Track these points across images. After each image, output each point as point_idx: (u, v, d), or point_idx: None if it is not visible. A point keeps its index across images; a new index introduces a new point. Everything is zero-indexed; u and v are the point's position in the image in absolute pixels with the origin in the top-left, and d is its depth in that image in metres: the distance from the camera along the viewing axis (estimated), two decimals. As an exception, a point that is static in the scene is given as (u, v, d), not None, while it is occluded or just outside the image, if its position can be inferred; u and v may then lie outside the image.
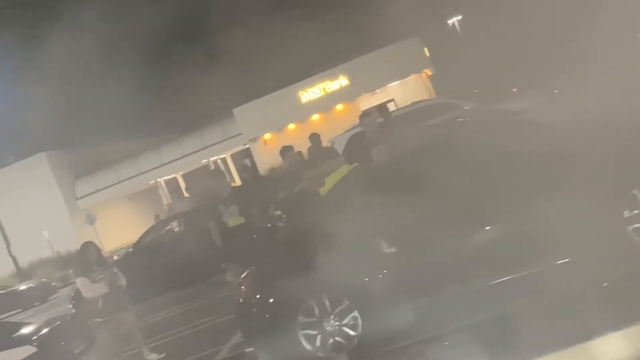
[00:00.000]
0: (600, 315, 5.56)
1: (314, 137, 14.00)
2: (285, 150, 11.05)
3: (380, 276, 7.01)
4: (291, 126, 42.65)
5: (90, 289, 10.10)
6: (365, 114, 9.83)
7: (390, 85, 40.62)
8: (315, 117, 41.93)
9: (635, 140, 7.02)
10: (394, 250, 7.03)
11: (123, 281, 10.42)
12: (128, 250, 19.56)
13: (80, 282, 10.35)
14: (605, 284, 6.27)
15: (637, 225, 6.59)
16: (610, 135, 7.31)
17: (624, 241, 6.58)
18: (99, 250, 10.67)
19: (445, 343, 6.18)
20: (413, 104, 19.39)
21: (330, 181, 9.99)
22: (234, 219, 10.27)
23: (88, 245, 10.50)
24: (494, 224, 6.86)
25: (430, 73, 42.94)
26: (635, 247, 6.57)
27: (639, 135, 7.13)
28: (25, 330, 9.07)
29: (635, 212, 6.58)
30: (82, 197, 51.96)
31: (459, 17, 55.50)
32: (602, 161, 6.73)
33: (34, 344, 8.12)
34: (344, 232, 7.14)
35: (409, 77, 40.32)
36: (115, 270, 10.51)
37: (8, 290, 34.54)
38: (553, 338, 5.38)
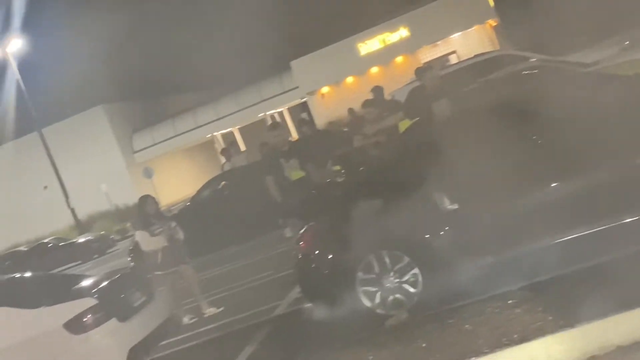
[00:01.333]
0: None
1: (377, 90, 13.89)
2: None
3: (442, 233, 7.01)
4: (349, 79, 42.46)
5: (149, 242, 10.32)
6: (425, 67, 9.69)
7: (452, 36, 40.00)
8: (374, 70, 41.62)
9: None
10: (456, 206, 6.99)
11: (181, 235, 10.62)
12: (185, 204, 19.84)
13: (140, 236, 10.59)
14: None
15: None
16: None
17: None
18: (157, 204, 10.87)
19: (509, 302, 6.15)
20: (476, 56, 19.03)
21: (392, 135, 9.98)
22: (295, 173, 10.34)
23: (146, 199, 10.70)
24: (561, 180, 6.77)
25: (494, 24, 42.07)
26: None
27: None
28: (85, 282, 9.29)
29: None
30: (139, 151, 52.80)
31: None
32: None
33: (94, 296, 8.34)
34: (405, 188, 7.15)
35: (472, 28, 39.59)
36: (174, 224, 10.70)
37: (67, 242, 35.52)
38: (622, 298, 5.31)
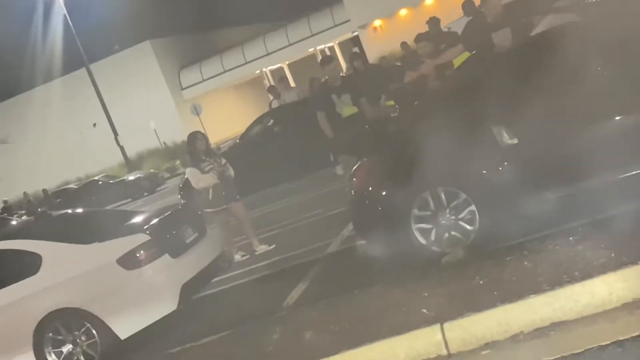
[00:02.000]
0: None
1: (433, 21, 13.65)
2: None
3: (500, 169, 6.94)
4: (403, 12, 41.85)
5: (200, 179, 10.43)
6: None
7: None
8: (428, 1, 40.91)
9: None
10: (515, 141, 6.90)
11: (231, 172, 10.72)
12: (236, 141, 19.97)
13: (190, 173, 10.70)
14: None
15: None
16: None
17: None
18: (207, 140, 10.95)
19: (570, 238, 6.09)
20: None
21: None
22: (348, 109, 10.30)
23: (196, 135, 10.78)
24: (625, 114, 6.61)
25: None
26: None
27: None
28: (137, 218, 9.47)
29: None
30: (187, 87, 53.15)
31: None
32: None
33: (146, 232, 8.50)
34: (461, 122, 7.06)
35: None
36: (224, 161, 10.79)
37: (117, 180, 36.17)
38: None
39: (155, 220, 9.03)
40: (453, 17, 19.27)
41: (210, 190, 10.45)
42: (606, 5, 8.93)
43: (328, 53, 50.61)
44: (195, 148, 10.66)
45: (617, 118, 6.66)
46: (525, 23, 8.51)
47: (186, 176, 11.84)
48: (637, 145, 6.49)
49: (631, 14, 7.66)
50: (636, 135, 6.49)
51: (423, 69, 9.92)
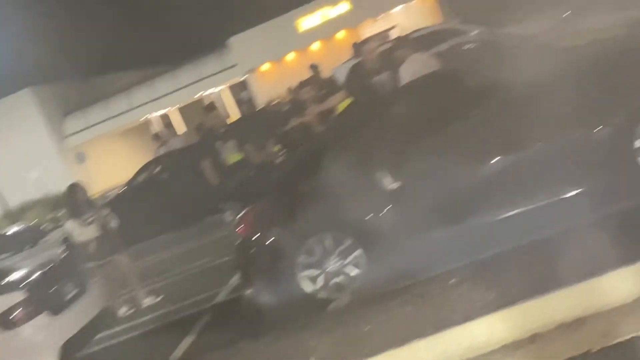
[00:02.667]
0: (612, 248, 5.59)
1: (314, 68, 13.91)
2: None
3: (384, 212, 7.05)
4: (290, 55, 42.30)
5: (81, 232, 10.16)
6: (363, 42, 9.68)
7: (394, 10, 40.12)
8: (315, 45, 41.53)
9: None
10: (398, 184, 7.04)
11: (115, 223, 10.48)
12: (121, 189, 19.62)
13: (70, 226, 10.41)
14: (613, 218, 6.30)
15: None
16: (622, 61, 7.24)
17: (633, 173, 6.62)
18: (86, 191, 10.69)
19: (452, 281, 6.24)
20: (416, 31, 19.16)
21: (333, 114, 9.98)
22: (232, 156, 10.30)
23: (75, 187, 10.52)
24: (503, 155, 6.88)
25: (437, -4, 42.33)
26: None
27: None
28: (15, 275, 9.13)
29: (647, 142, 6.58)
30: (71, 135, 51.86)
31: None
32: (613, 88, 6.73)
33: (24, 289, 8.19)
34: (345, 167, 7.16)
35: (414, 1, 39.78)
36: (107, 211, 10.56)
37: (-2, 233, 34.80)
38: (563, 274, 5.42)
39: (34, 276, 8.72)
40: (340, 60, 19.64)
41: (93, 243, 10.19)
42: (481, 51, 9.34)
43: (218, 97, 50.61)
44: (75, 200, 10.39)
45: (495, 160, 6.90)
46: (404, 68, 8.73)
47: (67, 229, 11.50)
48: (515, 185, 6.76)
49: (506, 60, 8.03)
50: (512, 176, 6.76)
51: (307, 115, 10.03)
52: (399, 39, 9.18)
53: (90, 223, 10.16)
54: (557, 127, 6.73)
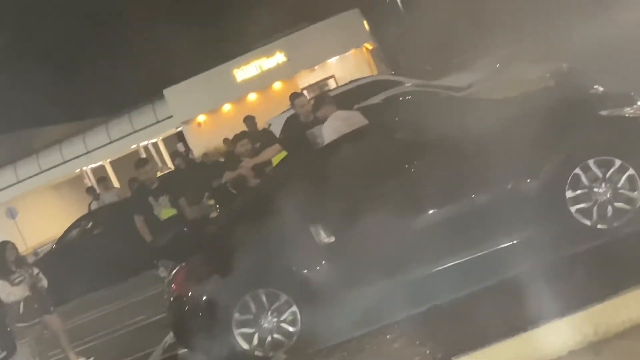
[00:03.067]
0: (548, 300, 5.67)
1: (249, 120, 13.96)
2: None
3: (319, 267, 7.05)
4: (226, 107, 42.33)
5: (9, 292, 9.89)
6: (296, 95, 9.74)
7: (329, 61, 40.57)
8: (251, 96, 41.68)
9: (576, 117, 7.16)
10: (332, 239, 7.06)
11: (45, 282, 10.25)
12: (52, 246, 19.25)
13: None
14: (549, 267, 6.41)
15: (580, 205, 6.74)
16: (551, 112, 7.43)
17: (567, 222, 6.75)
18: (16, 250, 10.45)
19: (387, 336, 6.24)
20: (352, 82, 19.44)
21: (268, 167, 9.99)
22: (165, 211, 10.20)
23: (5, 245, 10.28)
24: (437, 208, 6.97)
25: (371, 47, 43.01)
26: (579, 229, 6.74)
27: (579, 112, 7.27)
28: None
29: (578, 192, 6.73)
30: (1, 190, 50.84)
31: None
32: (544, 139, 6.88)
33: (-54, 356, 7.92)
34: (279, 222, 7.16)
35: (349, 52, 40.30)
36: (36, 270, 10.32)
37: None
38: (498, 327, 5.48)
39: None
40: (277, 111, 19.73)
41: (21, 304, 9.92)
42: (414, 103, 9.49)
43: (152, 150, 50.31)
44: (3, 259, 10.13)
45: (429, 212, 6.99)
46: (338, 121, 8.80)
47: None
48: (449, 237, 6.84)
49: (437, 113, 8.17)
50: (448, 228, 6.85)
51: (241, 168, 10.01)
52: (318, 96, 9.29)
53: (19, 283, 9.90)
54: (490, 179, 6.85)
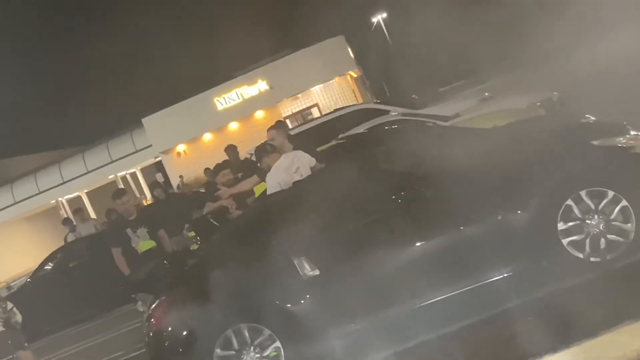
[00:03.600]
0: (537, 336, 5.66)
1: (230, 150, 13.92)
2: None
3: (303, 302, 7.00)
4: (207, 136, 42.32)
5: None
6: (272, 127, 9.76)
7: (313, 89, 40.70)
8: (233, 125, 41.71)
9: (568, 147, 7.18)
10: (317, 272, 7.02)
11: (19, 317, 10.15)
12: (26, 280, 19.06)
13: None
14: (541, 301, 6.40)
15: (572, 238, 6.73)
16: (542, 142, 7.46)
17: (559, 255, 6.73)
18: None
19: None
20: (336, 110, 19.53)
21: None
22: (144, 243, 10.14)
23: None
24: (425, 240, 6.94)
25: (356, 75, 43.23)
26: (572, 262, 6.72)
27: (571, 142, 7.30)
28: None
29: (570, 224, 6.72)
30: (-27, 221, 50.48)
31: (384, 15, 56.22)
32: (534, 169, 6.89)
33: None
34: (262, 255, 7.14)
35: (333, 80, 40.46)
36: (10, 305, 10.22)
37: None
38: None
39: None
40: (259, 140, 19.73)
41: None
42: (399, 132, 9.50)
43: (130, 180, 50.10)
44: None
45: (417, 244, 6.95)
46: (321, 152, 8.81)
47: None
48: (437, 271, 6.80)
49: (424, 142, 8.18)
50: (436, 261, 6.81)
51: (222, 199, 9.98)
52: (258, 148, 9.28)
53: None
54: (479, 210, 6.82)
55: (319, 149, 10.64)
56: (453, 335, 6.47)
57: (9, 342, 9.92)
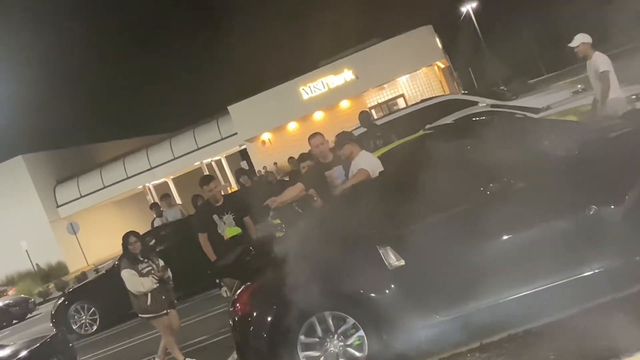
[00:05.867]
0: (628, 333, 5.58)
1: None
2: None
3: (387, 292, 7.02)
4: (292, 125, 42.64)
5: (138, 282, 10.08)
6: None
7: (399, 79, 40.53)
8: (318, 114, 41.89)
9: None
10: (402, 263, 7.03)
11: (170, 274, 10.41)
12: (113, 263, 19.58)
13: (127, 275, 10.32)
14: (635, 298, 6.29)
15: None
16: (638, 136, 7.31)
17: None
18: (143, 239, 10.72)
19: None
20: (423, 101, 19.43)
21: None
22: (230, 230, 10.31)
23: (130, 235, 10.52)
24: (513, 233, 6.86)
25: (443, 65, 42.87)
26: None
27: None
28: (1, 353, 9.08)
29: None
30: (63, 204, 52.00)
31: (474, 4, 55.53)
32: (629, 163, 6.76)
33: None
34: (348, 244, 7.19)
35: (420, 70, 40.21)
36: (162, 263, 10.49)
37: (-18, 306, 34.54)
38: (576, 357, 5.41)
39: (22, 354, 8.68)
40: (344, 129, 19.78)
41: (149, 295, 10.14)
42: (489, 124, 9.39)
43: (215, 167, 50.83)
44: (130, 249, 10.37)
45: (503, 239, 6.88)
46: (409, 142, 8.80)
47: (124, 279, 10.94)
48: (523, 265, 6.72)
49: (515, 135, 8.09)
50: (523, 255, 6.73)
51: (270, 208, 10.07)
52: (340, 135, 9.31)
53: (147, 273, 10.13)
54: (570, 204, 6.70)
55: (405, 139, 10.66)
56: (539, 330, 6.42)
57: (163, 297, 10.21)
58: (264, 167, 36.24)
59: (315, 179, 9.57)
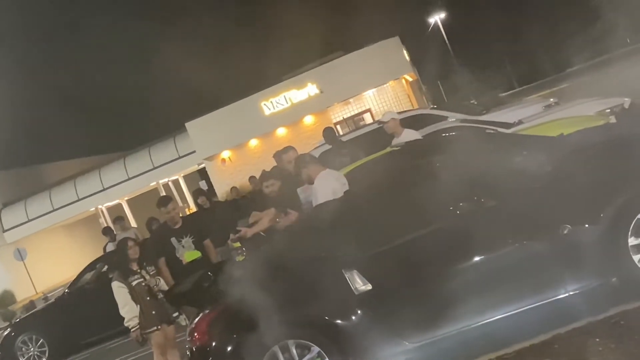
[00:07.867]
0: (606, 357, 5.63)
1: (278, 156, 14.00)
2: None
3: (354, 318, 7.02)
4: (253, 142, 42.52)
5: (122, 301, 9.90)
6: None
7: (365, 93, 40.64)
8: (281, 130, 41.83)
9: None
10: (369, 287, 7.03)
11: (162, 283, 10.14)
12: (64, 291, 19.37)
13: (116, 289, 10.04)
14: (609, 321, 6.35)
15: (644, 254, 6.66)
16: (612, 151, 7.40)
17: (630, 272, 6.65)
18: (141, 244, 10.53)
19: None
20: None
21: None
22: (189, 254, 10.23)
23: (127, 240, 10.30)
24: (484, 255, 6.90)
25: (411, 79, 43.10)
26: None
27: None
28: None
29: (643, 239, 6.65)
30: (10, 229, 51.29)
31: (442, 15, 56.07)
32: (604, 180, 6.84)
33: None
34: (312, 268, 7.19)
35: (387, 84, 40.34)
36: (154, 268, 10.27)
37: None
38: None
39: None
40: (307, 147, 19.83)
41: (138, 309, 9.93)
42: (458, 140, 9.47)
43: (172, 187, 50.56)
44: (129, 253, 10.10)
45: (474, 260, 6.91)
46: (376, 159, 8.83)
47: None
48: (495, 288, 6.77)
49: (484, 151, 8.16)
50: (495, 277, 6.78)
51: (244, 238, 10.02)
52: (296, 161, 9.38)
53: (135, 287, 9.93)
54: (544, 223, 6.76)
55: (372, 156, 10.70)
56: (511, 356, 6.46)
57: (153, 312, 10.01)
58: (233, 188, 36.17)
59: (288, 199, 9.55)
